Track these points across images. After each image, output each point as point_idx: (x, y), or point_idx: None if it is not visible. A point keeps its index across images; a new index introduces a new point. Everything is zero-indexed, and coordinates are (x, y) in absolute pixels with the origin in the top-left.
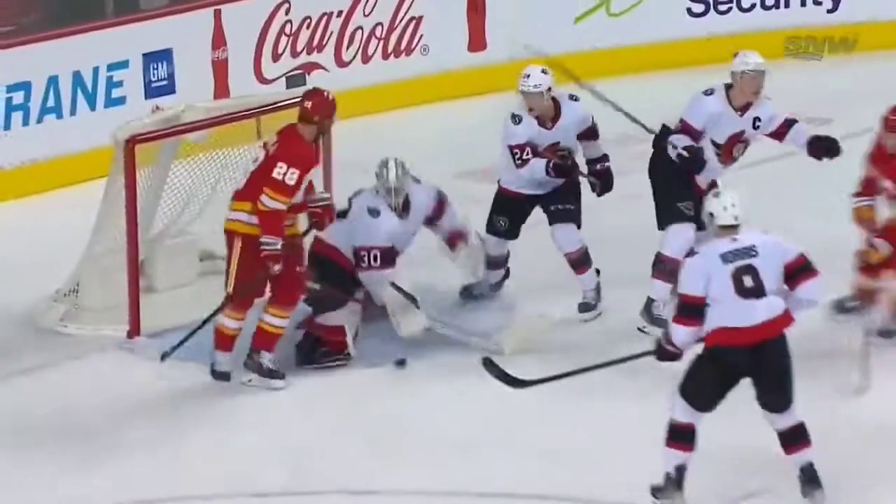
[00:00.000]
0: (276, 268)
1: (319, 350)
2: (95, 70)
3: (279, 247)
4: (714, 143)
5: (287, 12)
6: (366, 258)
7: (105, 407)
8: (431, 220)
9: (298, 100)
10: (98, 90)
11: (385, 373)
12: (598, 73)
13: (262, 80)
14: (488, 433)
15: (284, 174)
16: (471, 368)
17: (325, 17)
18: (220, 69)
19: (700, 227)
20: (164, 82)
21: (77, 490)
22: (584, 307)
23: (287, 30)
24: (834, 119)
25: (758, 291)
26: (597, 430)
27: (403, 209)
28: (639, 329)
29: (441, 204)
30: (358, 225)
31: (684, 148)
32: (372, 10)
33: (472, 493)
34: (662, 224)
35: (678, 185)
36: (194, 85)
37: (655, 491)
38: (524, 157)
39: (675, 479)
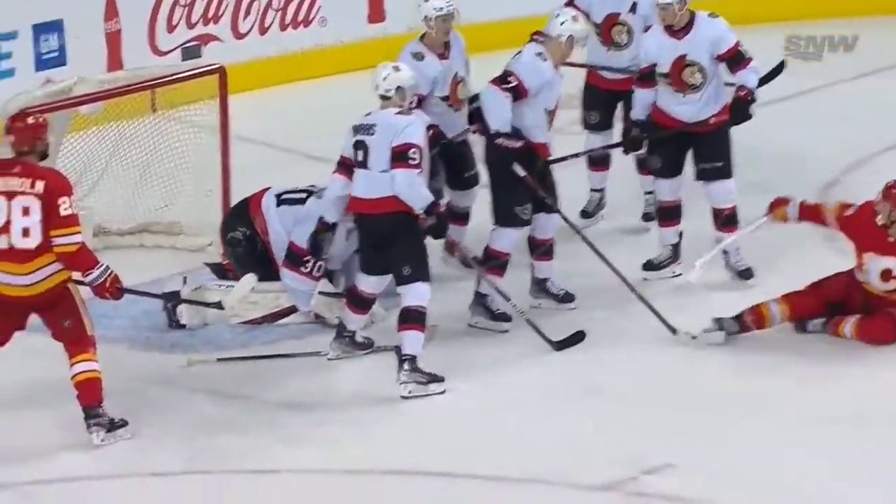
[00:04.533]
0: (119, 295)
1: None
2: None
3: (107, 271)
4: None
5: None
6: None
7: (10, 387)
8: None
9: (194, 73)
10: None
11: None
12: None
13: (157, 52)
14: (383, 411)
15: (70, 206)
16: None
17: None
18: (113, 40)
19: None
20: (55, 54)
21: None
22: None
23: (182, 0)
24: None
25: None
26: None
27: None
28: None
29: None
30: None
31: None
32: None
33: (372, 470)
34: (499, 223)
35: (515, 184)
36: (86, 57)
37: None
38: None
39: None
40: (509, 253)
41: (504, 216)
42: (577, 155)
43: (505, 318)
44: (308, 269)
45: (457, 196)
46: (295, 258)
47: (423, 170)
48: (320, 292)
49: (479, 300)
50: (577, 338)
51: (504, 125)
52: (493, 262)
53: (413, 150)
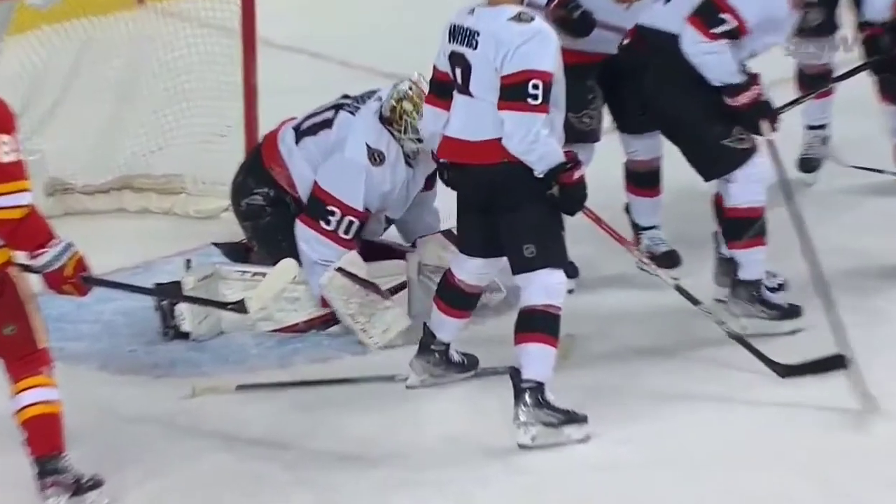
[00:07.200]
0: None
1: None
2: None
3: (67, 251)
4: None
5: None
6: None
7: None
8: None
9: None
10: None
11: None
12: None
13: None
14: (493, 467)
15: (11, 149)
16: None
17: None
18: None
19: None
20: None
21: None
22: None
23: None
24: None
25: None
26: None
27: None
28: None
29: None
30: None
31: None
32: None
33: None
34: (721, 171)
35: (716, 111)
36: None
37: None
38: None
39: None
40: (763, 206)
41: (726, 156)
42: (801, 99)
43: (794, 312)
44: (333, 226)
45: (632, 143)
46: (317, 207)
47: (557, 108)
48: (339, 269)
49: (740, 285)
50: (829, 364)
51: (732, 77)
52: (749, 227)
53: (534, 80)
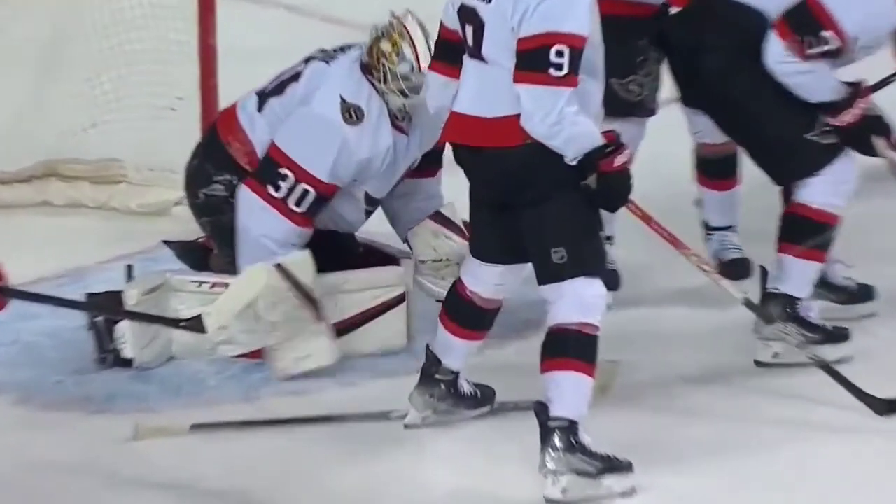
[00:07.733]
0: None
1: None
2: None
3: None
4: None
5: None
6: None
7: None
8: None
9: None
10: None
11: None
12: None
13: None
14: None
15: None
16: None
17: None
18: None
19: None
20: None
21: None
22: None
23: None
24: None
25: None
26: None
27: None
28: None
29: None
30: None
31: None
32: None
33: None
34: (803, 171)
35: (794, 103)
36: None
37: None
38: None
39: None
40: (839, 216)
41: (810, 153)
42: None
43: (841, 336)
44: (282, 193)
45: (696, 122)
46: (267, 168)
47: (594, 76)
48: (279, 266)
49: (784, 307)
50: None
51: (833, 94)
52: (816, 234)
53: (558, 46)
